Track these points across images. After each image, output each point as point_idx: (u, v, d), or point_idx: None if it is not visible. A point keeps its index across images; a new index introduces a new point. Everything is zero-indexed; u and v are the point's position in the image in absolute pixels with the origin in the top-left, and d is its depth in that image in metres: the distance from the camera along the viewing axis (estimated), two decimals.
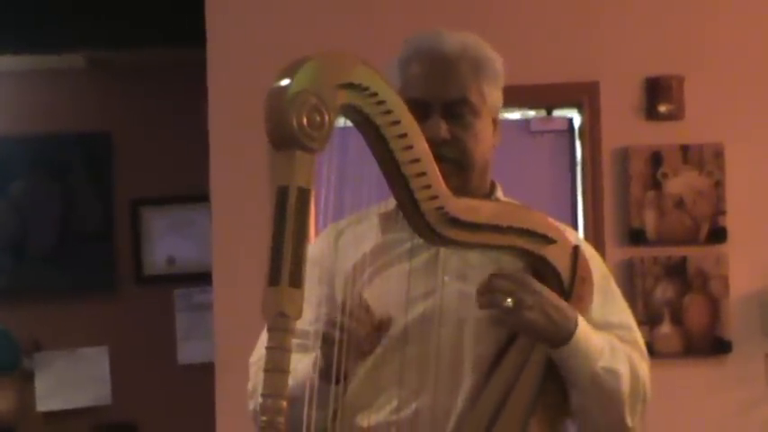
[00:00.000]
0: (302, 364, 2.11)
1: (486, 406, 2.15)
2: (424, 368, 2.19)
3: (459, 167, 2.25)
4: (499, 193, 2.39)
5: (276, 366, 1.79)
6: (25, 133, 6.05)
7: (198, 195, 5.21)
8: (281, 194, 1.82)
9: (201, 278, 5.15)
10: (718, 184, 4.58)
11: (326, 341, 2.05)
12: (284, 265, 1.79)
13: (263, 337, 1.87)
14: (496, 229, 2.10)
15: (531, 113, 4.76)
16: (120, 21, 5.51)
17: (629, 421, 2.22)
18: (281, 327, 1.80)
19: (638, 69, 4.63)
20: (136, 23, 5.53)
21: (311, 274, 1.92)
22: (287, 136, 1.81)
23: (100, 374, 5.99)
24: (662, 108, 4.60)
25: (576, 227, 4.54)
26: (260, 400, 1.80)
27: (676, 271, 4.56)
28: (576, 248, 2.25)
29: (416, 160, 1.99)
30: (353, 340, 2.06)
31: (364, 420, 2.22)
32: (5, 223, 6.08)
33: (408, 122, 1.98)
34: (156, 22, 5.50)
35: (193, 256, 5.96)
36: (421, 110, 2.21)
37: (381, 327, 2.14)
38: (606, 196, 4.61)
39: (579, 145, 4.69)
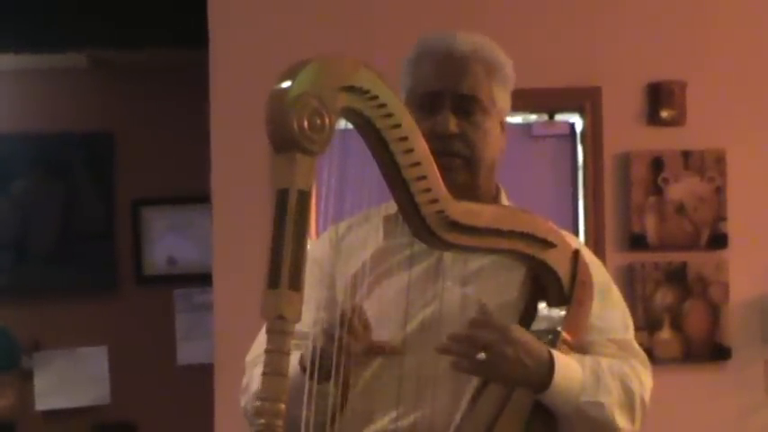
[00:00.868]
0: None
1: (484, 414, 2.14)
2: (424, 378, 2.18)
3: (466, 163, 2.25)
4: (503, 198, 2.38)
5: (275, 369, 1.79)
6: (27, 132, 6.06)
7: (199, 196, 5.21)
8: (282, 197, 1.81)
9: (202, 279, 5.15)
10: (719, 190, 4.58)
11: (324, 352, 2.02)
12: (284, 268, 1.79)
13: (261, 336, 1.87)
14: (497, 233, 2.10)
15: (533, 117, 4.75)
16: (123, 21, 5.51)
17: None
18: (279, 329, 1.79)
19: (641, 75, 4.63)
20: (139, 24, 5.53)
21: (311, 274, 1.92)
22: (288, 138, 1.81)
23: (99, 374, 6.00)
24: (664, 114, 4.60)
25: (576, 231, 4.53)
26: (257, 402, 1.80)
27: (676, 277, 4.56)
28: (576, 252, 2.24)
29: (417, 164, 1.99)
30: (348, 353, 2.05)
31: (363, 431, 2.22)
32: (6, 222, 6.09)
33: (409, 126, 1.97)
34: (159, 22, 5.50)
35: (194, 256, 5.97)
36: (431, 103, 2.21)
37: (377, 349, 2.13)
38: (607, 201, 4.61)
39: (581, 149, 4.69)
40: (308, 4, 4.66)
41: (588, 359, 2.20)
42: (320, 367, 1.98)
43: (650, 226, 4.58)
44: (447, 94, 2.25)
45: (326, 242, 2.38)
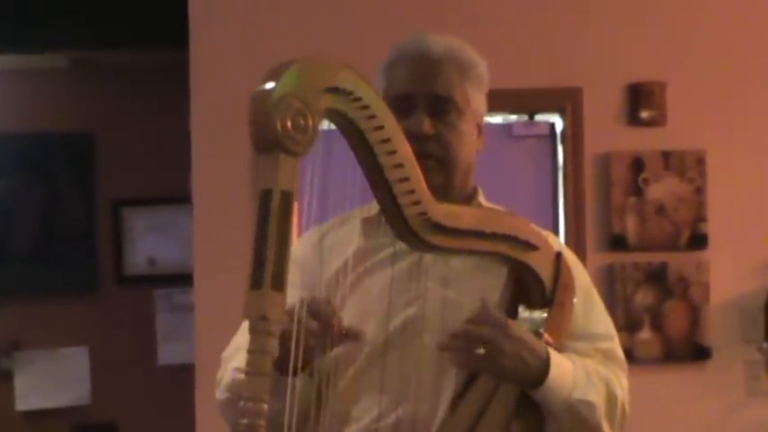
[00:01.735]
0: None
1: (467, 414, 2.15)
2: (406, 376, 2.19)
3: (441, 164, 2.25)
4: (481, 198, 2.39)
5: (257, 369, 1.79)
6: (7, 133, 6.04)
7: (180, 196, 5.20)
8: (265, 197, 1.82)
9: (182, 279, 5.14)
10: (700, 191, 4.59)
11: (284, 334, 1.95)
12: (267, 269, 1.80)
13: (240, 333, 1.86)
14: (479, 234, 2.11)
15: (513, 118, 4.76)
16: (103, 21, 5.50)
17: None
18: (262, 330, 1.80)
19: (621, 75, 4.64)
20: (119, 24, 5.52)
21: (293, 275, 1.92)
22: (271, 139, 1.81)
23: (80, 374, 5.98)
24: (644, 114, 4.61)
25: (557, 231, 4.54)
26: (240, 402, 1.80)
27: (657, 277, 4.57)
28: (558, 255, 2.25)
29: (400, 165, 1.99)
30: (309, 333, 2.02)
31: (345, 430, 2.22)
32: None
33: (392, 127, 1.98)
34: (140, 22, 5.49)
35: (175, 257, 5.95)
36: (405, 105, 2.22)
37: (350, 335, 2.12)
38: (587, 201, 4.61)
39: (561, 150, 4.70)
40: (290, 5, 4.66)
41: (577, 358, 2.22)
42: (286, 354, 1.93)
43: (630, 226, 4.59)
44: (421, 95, 2.25)
45: (307, 244, 2.39)
